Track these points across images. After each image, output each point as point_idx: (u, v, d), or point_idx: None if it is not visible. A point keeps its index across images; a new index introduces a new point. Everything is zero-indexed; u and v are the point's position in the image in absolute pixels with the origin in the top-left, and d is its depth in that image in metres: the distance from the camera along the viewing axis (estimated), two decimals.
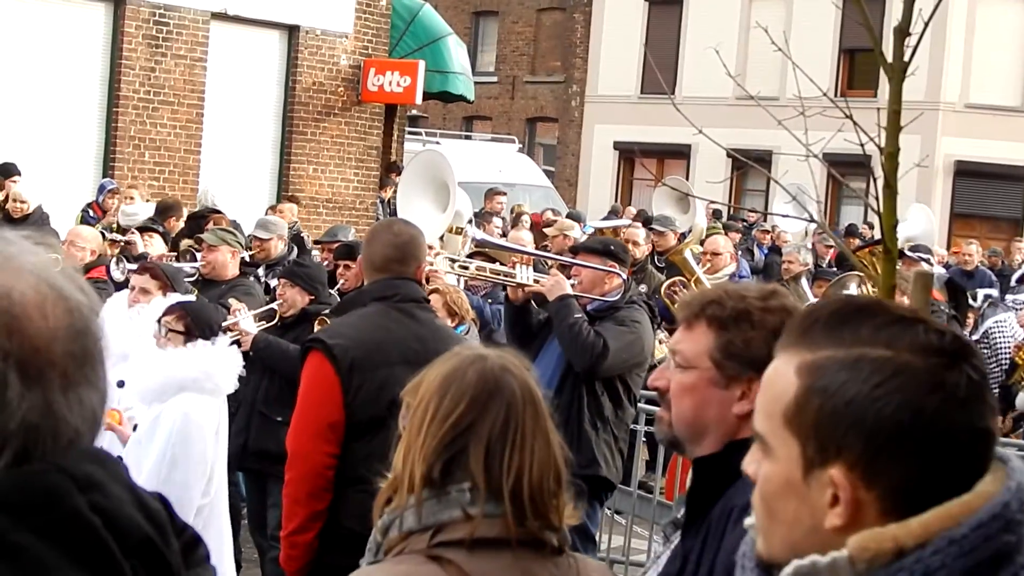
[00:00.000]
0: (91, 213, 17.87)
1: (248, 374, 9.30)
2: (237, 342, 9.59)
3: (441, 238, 13.51)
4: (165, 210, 16.59)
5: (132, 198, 17.28)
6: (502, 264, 10.32)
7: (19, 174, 17.48)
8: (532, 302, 9.36)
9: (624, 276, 9.25)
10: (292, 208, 19.07)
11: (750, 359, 3.37)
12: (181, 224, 16.01)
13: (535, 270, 9.83)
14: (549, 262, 12.21)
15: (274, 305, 10.13)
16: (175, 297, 8.58)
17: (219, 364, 7.42)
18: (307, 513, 6.08)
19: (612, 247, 9.59)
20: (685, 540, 3.42)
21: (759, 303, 3.44)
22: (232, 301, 10.06)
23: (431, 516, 3.21)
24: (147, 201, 17.17)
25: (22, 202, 15.09)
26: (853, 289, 12.89)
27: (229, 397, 8.17)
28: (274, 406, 9.35)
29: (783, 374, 2.12)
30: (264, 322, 10.03)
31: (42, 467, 1.85)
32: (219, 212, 16.99)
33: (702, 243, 15.49)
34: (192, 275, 11.01)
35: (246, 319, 9.85)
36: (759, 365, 3.36)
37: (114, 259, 11.37)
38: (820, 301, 2.19)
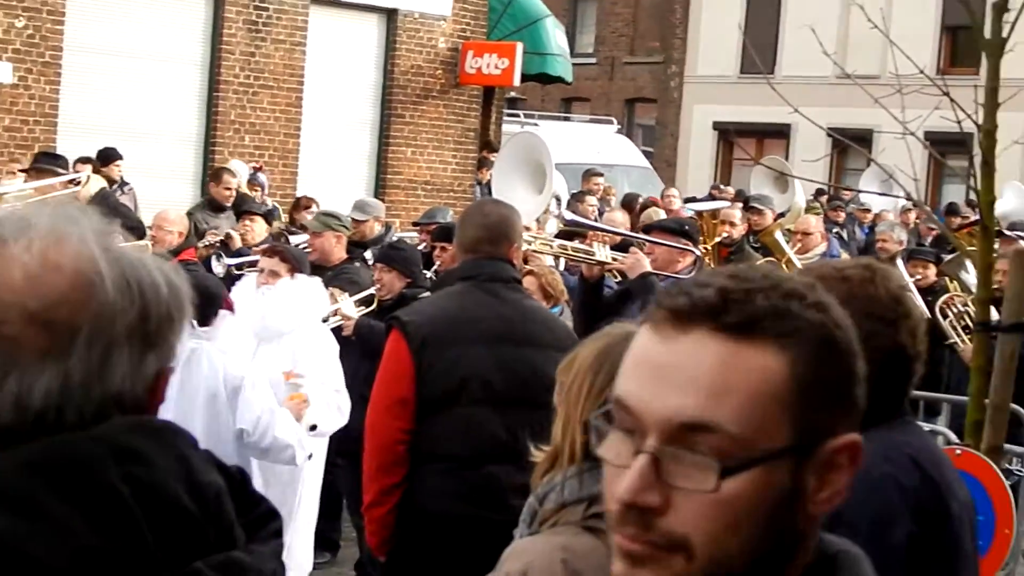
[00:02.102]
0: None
1: (346, 359, 9.38)
2: (339, 327, 9.68)
3: (538, 220, 13.49)
4: (106, 158, 17.29)
5: (14, 173, 15.70)
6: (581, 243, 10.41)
7: (120, 158, 17.67)
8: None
9: (697, 253, 9.43)
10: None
11: None
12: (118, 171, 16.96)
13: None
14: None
15: (372, 290, 10.16)
16: (301, 278, 8.72)
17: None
18: (378, 487, 6.08)
19: (686, 226, 9.85)
20: None
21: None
22: (334, 291, 10.06)
23: (588, 488, 3.30)
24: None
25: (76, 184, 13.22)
26: (971, 269, 12.70)
27: None
28: None
29: None
30: (364, 307, 10.07)
31: (80, 436, 1.92)
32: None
33: None
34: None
35: (347, 305, 9.90)
36: None
37: (214, 255, 11.42)
38: None
